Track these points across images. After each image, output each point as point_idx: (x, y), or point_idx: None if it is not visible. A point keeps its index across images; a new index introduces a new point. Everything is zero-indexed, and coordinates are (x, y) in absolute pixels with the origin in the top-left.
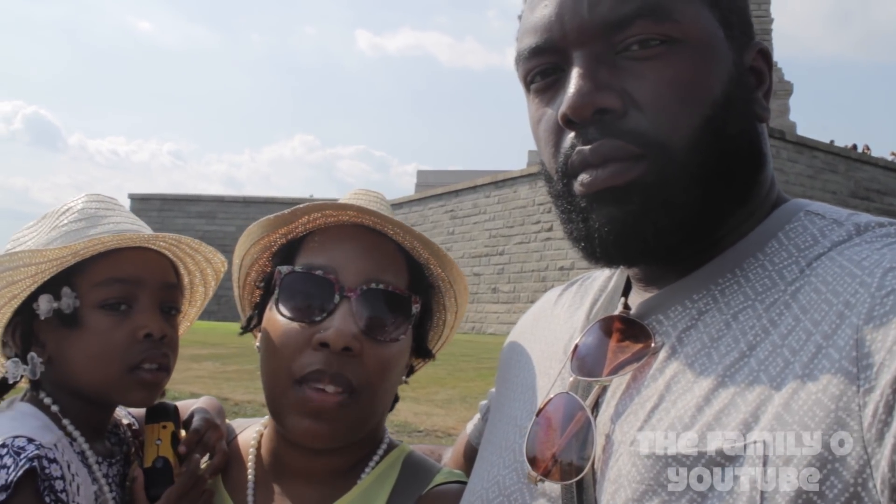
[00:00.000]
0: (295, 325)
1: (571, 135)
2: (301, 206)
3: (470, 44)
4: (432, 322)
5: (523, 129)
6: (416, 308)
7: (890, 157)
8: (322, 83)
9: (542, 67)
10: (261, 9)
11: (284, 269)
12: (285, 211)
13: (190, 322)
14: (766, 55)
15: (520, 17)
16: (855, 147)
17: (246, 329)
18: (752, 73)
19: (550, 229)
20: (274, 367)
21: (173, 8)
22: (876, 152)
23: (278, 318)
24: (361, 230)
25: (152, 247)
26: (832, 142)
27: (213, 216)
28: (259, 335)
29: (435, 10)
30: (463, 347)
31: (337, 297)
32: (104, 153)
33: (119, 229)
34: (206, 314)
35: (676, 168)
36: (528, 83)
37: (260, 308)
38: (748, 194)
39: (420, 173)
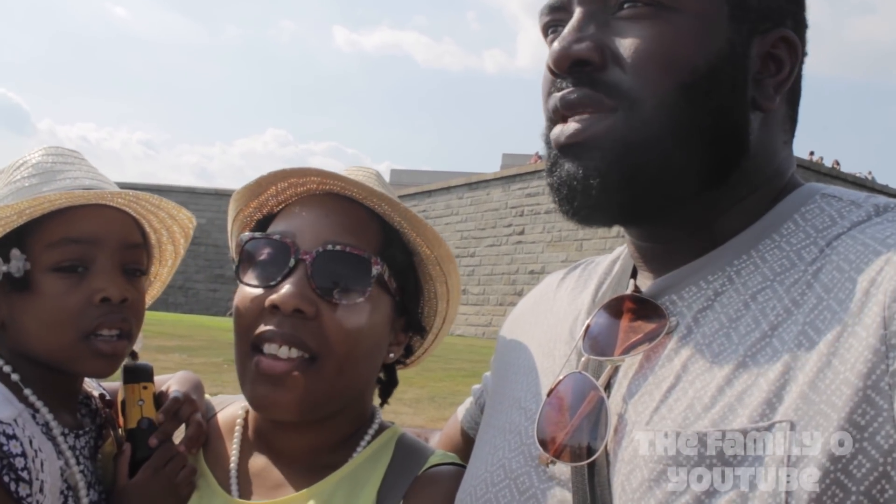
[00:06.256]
0: (253, 290)
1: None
2: (266, 174)
3: (448, 45)
4: (424, 295)
5: (498, 132)
6: (376, 269)
7: (858, 174)
8: (297, 78)
9: (554, 22)
10: (239, 0)
11: (245, 236)
12: (251, 181)
13: (163, 283)
14: (790, 44)
15: None
16: (822, 160)
17: None
18: (770, 60)
19: (522, 232)
20: (236, 337)
21: None
22: (846, 168)
23: (241, 286)
24: (331, 197)
25: (111, 204)
26: (811, 153)
27: (185, 207)
28: None
29: (414, 10)
30: None
31: (292, 261)
32: (73, 139)
33: (75, 185)
34: (174, 306)
35: (642, 125)
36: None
37: None
38: (725, 175)
39: (393, 172)
